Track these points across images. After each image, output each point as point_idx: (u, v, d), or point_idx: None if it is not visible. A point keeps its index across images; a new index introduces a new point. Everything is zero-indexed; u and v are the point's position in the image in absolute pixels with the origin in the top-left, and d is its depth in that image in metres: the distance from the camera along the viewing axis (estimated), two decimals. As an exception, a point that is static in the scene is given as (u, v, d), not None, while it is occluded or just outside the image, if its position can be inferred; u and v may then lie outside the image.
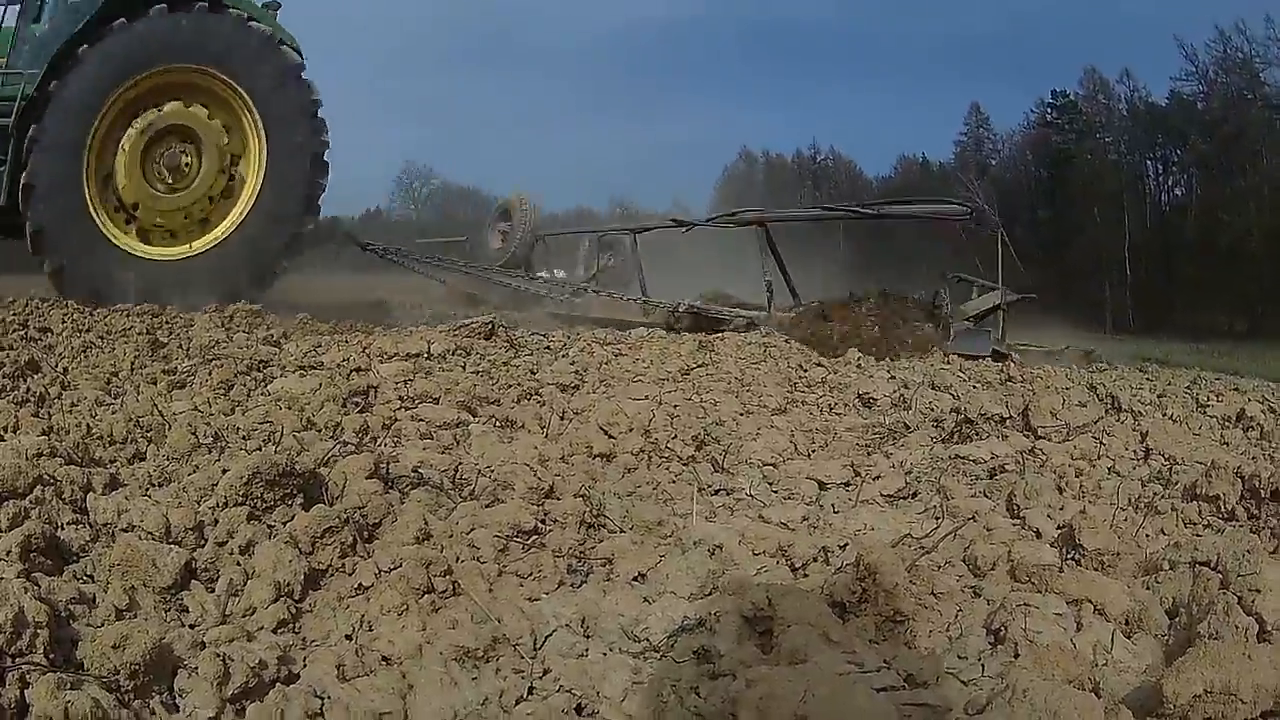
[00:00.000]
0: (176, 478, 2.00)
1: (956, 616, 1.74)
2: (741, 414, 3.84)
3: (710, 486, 2.97)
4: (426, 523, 1.92)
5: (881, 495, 2.89)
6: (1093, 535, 2.00)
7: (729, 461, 3.16)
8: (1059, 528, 2.25)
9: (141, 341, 4.17)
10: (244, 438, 2.46)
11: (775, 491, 2.98)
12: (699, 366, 4.46)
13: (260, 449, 2.40)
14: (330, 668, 1.40)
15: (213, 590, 1.58)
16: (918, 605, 1.72)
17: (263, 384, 3.25)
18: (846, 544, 2.05)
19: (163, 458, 2.19)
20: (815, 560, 2.00)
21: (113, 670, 1.26)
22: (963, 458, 3.06)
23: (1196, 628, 1.47)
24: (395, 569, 1.68)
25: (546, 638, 1.55)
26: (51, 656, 1.27)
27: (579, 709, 1.39)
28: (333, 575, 1.71)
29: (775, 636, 1.52)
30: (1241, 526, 2.07)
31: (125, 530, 1.67)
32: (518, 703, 1.37)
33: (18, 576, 1.42)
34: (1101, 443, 3.02)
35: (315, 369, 3.57)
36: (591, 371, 3.92)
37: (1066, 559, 1.99)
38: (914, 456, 3.20)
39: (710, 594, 1.72)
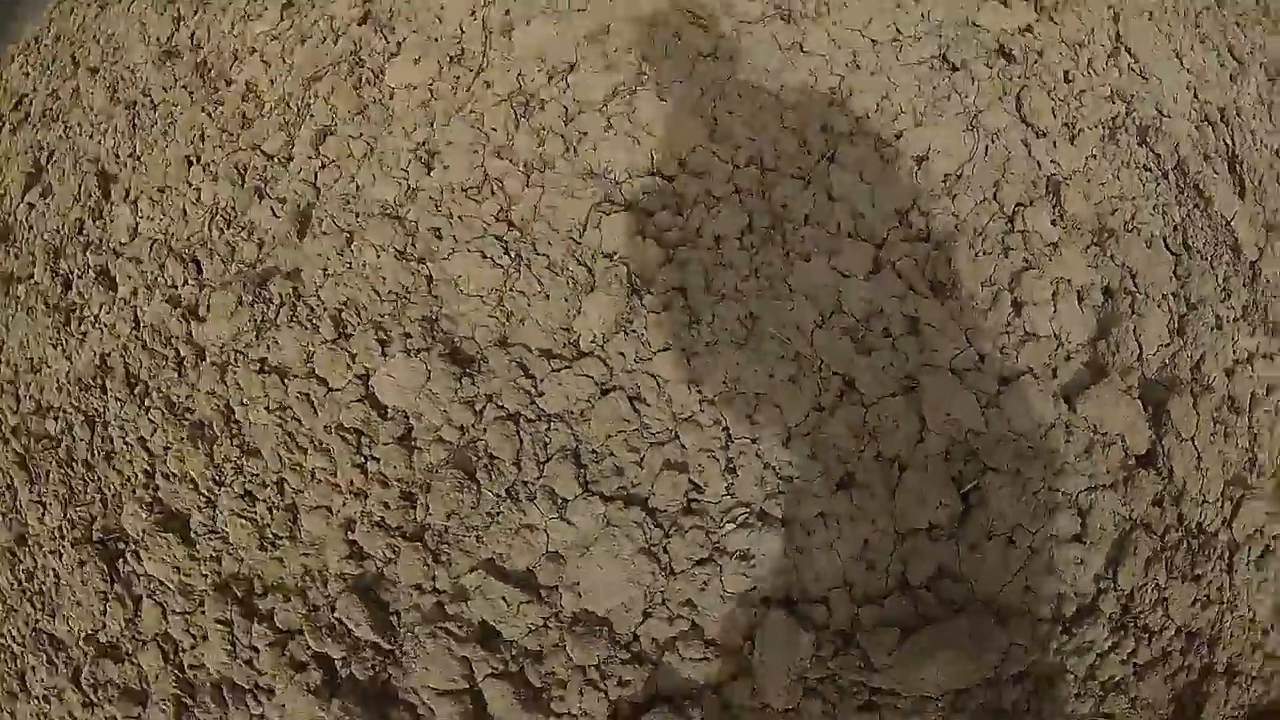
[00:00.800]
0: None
1: (994, 271, 2.93)
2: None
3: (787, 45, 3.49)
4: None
5: (920, 61, 3.56)
6: (1075, 198, 3.09)
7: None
8: (1052, 163, 3.26)
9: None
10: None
11: (840, 48, 3.54)
12: None
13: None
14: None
15: None
16: (975, 272, 2.90)
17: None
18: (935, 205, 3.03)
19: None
20: (910, 213, 3.00)
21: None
22: (977, 26, 3.65)
23: (1112, 328, 2.81)
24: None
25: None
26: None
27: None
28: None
29: (921, 329, 2.73)
30: (1171, 190, 3.18)
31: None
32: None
33: None
34: (1081, 21, 3.66)
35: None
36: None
37: (1053, 219, 3.12)
38: (935, 10, 3.68)
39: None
